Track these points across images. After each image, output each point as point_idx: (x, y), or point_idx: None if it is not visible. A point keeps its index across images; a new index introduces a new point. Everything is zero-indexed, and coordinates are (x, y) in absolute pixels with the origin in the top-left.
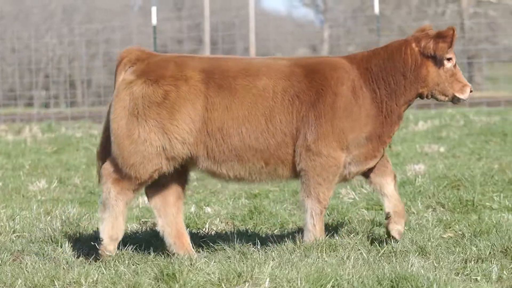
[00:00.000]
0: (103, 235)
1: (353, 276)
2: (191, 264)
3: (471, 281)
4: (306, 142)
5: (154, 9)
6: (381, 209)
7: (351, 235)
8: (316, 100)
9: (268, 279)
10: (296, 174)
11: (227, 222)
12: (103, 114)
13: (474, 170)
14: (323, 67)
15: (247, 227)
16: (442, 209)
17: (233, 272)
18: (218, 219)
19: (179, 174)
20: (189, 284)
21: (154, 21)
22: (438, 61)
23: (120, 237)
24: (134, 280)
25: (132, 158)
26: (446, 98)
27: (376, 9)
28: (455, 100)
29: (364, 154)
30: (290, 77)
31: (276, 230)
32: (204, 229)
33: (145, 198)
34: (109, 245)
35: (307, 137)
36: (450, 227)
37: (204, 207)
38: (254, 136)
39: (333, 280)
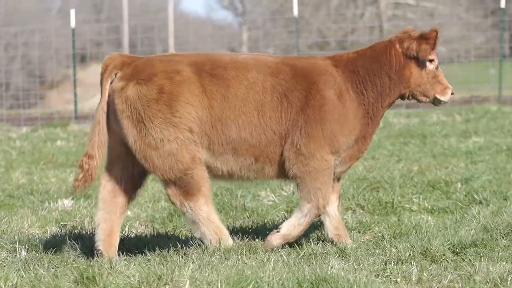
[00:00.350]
0: (216, 242)
1: (273, 278)
2: (111, 267)
3: (391, 282)
4: (296, 146)
5: (72, 12)
6: (286, 211)
7: None
8: (305, 103)
9: (188, 282)
10: (279, 175)
11: (147, 225)
12: (21, 117)
13: (394, 172)
14: (311, 70)
15: (167, 230)
16: (361, 211)
17: (153, 275)
18: (137, 222)
19: (136, 178)
20: (109, 287)
21: (73, 23)
22: (420, 63)
23: (226, 228)
24: (53, 283)
25: (166, 162)
26: (427, 99)
27: (295, 11)
28: (436, 102)
29: (350, 155)
30: (277, 74)
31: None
32: (123, 232)
33: (65, 201)
34: (228, 241)
35: (295, 141)
36: (369, 229)
37: None
38: (249, 129)
39: (253, 283)
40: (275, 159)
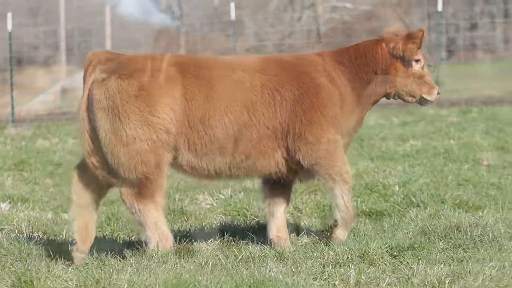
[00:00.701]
0: (156, 247)
1: (211, 282)
2: (48, 271)
3: (329, 285)
4: (301, 135)
5: (9, 15)
6: (224, 214)
7: (209, 241)
8: (300, 94)
9: (126, 286)
10: (271, 169)
11: None
12: None
13: None
14: (299, 62)
15: (105, 234)
16: (299, 214)
17: (91, 279)
18: None
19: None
20: None
21: (9, 27)
22: (406, 62)
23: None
24: None
25: (131, 161)
26: (414, 100)
27: (232, 15)
28: (422, 102)
29: (344, 145)
30: (265, 71)
31: (133, 237)
32: (61, 236)
33: (2, 205)
34: (167, 243)
35: (298, 131)
36: (307, 232)
37: (61, 213)
38: (237, 128)
39: (191, 286)
40: (269, 153)
